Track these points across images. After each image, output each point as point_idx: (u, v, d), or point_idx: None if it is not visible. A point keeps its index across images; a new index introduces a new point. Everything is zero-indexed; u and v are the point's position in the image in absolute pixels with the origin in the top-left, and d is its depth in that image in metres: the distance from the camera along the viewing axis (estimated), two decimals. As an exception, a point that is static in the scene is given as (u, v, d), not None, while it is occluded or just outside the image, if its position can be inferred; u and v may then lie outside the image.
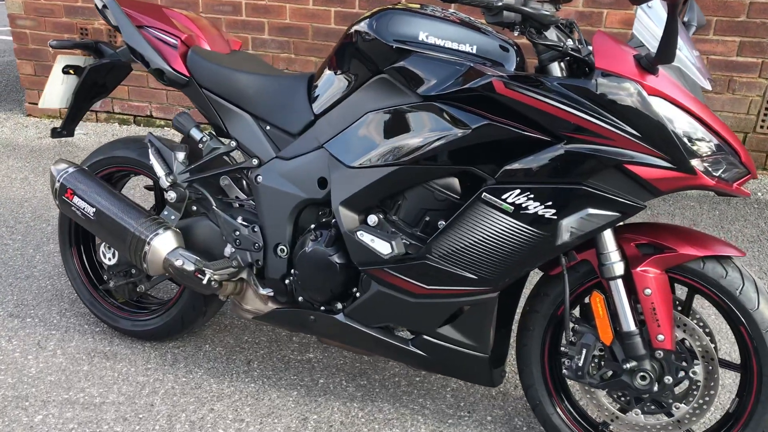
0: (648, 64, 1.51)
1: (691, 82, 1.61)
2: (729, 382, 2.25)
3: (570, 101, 1.55)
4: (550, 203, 1.61)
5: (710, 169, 1.57)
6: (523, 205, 1.63)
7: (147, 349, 2.38)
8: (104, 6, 2.16)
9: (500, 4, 1.55)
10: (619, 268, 1.68)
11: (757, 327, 1.65)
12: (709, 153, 1.56)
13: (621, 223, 1.73)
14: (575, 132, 1.56)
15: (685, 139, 1.54)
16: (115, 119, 4.94)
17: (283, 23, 4.14)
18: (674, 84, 1.55)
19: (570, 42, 1.67)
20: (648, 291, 1.66)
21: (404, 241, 1.79)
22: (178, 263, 2.02)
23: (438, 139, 1.69)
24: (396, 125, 1.75)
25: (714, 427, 1.82)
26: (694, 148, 1.54)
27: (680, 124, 1.53)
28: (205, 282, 1.99)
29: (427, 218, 1.79)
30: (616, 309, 1.70)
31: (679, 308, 1.76)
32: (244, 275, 2.06)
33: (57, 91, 2.32)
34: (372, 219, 1.82)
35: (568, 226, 1.61)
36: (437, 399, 2.17)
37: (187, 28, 2.18)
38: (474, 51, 1.69)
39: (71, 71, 2.31)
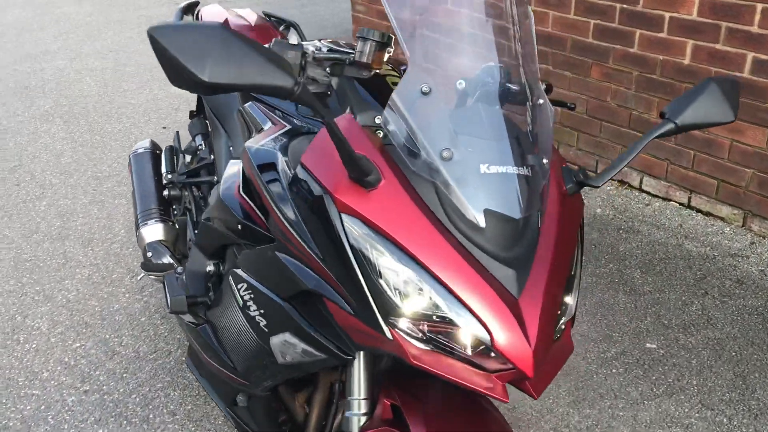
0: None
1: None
2: None
3: (277, 195, 1.28)
4: (262, 311, 1.35)
5: (426, 340, 1.11)
6: (248, 303, 1.40)
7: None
8: None
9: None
10: (353, 424, 1.31)
11: None
12: (426, 318, 1.09)
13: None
14: (281, 236, 1.27)
15: (385, 286, 1.11)
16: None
17: (545, 31, 3.79)
18: (404, 207, 1.11)
19: None
20: None
21: (200, 299, 1.68)
22: (148, 254, 2.25)
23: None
24: None
25: None
26: (401, 302, 1.10)
27: (385, 262, 1.11)
28: (140, 278, 2.17)
29: None
30: None
31: None
32: None
33: None
34: (209, 266, 1.74)
35: (279, 346, 1.32)
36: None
37: None
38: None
39: None
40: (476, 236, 1.11)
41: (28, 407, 2.26)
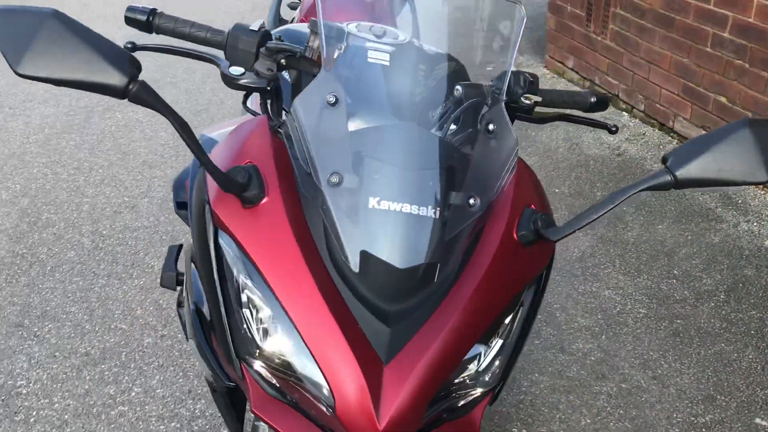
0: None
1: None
2: None
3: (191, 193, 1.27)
4: (182, 310, 1.31)
5: (279, 389, 1.01)
6: (181, 300, 1.36)
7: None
8: None
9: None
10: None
11: None
12: (281, 365, 0.98)
13: None
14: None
15: (248, 319, 1.01)
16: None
17: (746, 22, 3.16)
18: (280, 233, 0.98)
19: None
20: None
21: None
22: None
23: None
24: None
25: None
26: (259, 340, 1.00)
27: (249, 292, 1.00)
28: None
29: None
30: None
31: None
32: None
33: None
34: None
35: (195, 352, 1.27)
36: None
37: None
38: None
39: None
40: (356, 281, 0.96)
41: (111, 340, 2.48)
